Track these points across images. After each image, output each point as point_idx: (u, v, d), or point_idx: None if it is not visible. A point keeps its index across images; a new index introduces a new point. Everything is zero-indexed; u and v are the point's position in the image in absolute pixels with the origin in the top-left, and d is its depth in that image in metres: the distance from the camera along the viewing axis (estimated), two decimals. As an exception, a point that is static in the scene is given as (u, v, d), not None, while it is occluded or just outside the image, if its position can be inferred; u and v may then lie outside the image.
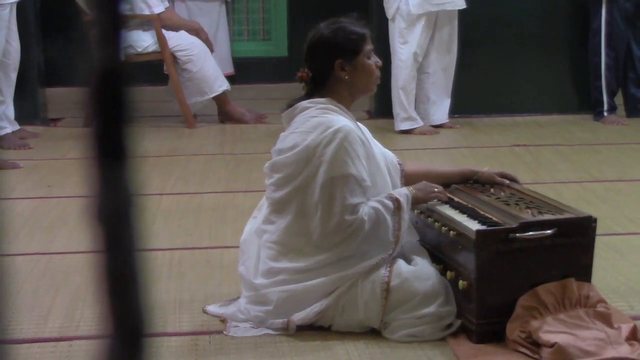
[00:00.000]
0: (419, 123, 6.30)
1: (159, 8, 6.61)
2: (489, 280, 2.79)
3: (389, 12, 6.24)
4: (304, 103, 3.01)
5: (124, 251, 0.85)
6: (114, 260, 0.84)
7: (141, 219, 0.86)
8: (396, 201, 2.94)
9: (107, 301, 0.85)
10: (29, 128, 6.41)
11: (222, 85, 6.71)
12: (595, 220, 2.90)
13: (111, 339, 0.85)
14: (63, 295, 3.32)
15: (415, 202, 3.04)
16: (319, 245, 2.91)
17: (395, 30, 6.21)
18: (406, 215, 2.96)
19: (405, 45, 6.19)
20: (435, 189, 3.10)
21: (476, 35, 6.65)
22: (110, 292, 0.85)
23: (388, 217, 2.91)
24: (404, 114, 6.28)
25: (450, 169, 3.42)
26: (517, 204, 3.03)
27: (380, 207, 2.90)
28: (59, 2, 7.20)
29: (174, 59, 6.64)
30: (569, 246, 2.85)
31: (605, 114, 6.58)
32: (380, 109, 6.63)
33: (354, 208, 2.86)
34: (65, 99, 7.51)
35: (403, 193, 2.99)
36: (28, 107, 6.56)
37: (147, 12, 6.50)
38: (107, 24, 0.81)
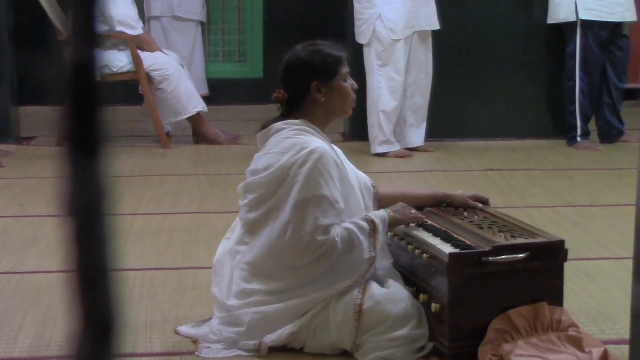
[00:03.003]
0: (396, 147, 6.31)
1: (138, 28, 6.61)
2: (462, 303, 2.79)
3: (364, 37, 6.24)
4: (279, 124, 3.01)
5: (95, 245, 0.84)
6: (84, 254, 0.84)
7: (113, 213, 0.86)
8: (372, 223, 2.93)
9: (77, 295, 0.84)
10: (2, 146, 6.38)
11: (197, 107, 6.69)
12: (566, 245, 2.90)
13: (81, 333, 0.85)
14: (33, 315, 3.29)
15: (393, 224, 3.03)
16: (291, 266, 2.90)
17: (372, 53, 6.21)
18: (381, 237, 2.96)
19: (385, 67, 6.19)
20: (413, 211, 3.10)
21: (451, 59, 6.68)
22: (80, 286, 0.84)
23: (363, 239, 2.89)
24: (382, 137, 6.27)
25: (424, 192, 3.41)
26: (490, 228, 3.03)
27: (354, 228, 2.89)
28: (33, 20, 7.17)
29: (149, 79, 6.63)
30: (541, 270, 2.86)
31: (579, 139, 6.59)
32: (355, 132, 6.64)
33: (326, 229, 2.85)
34: (38, 117, 7.48)
35: (379, 215, 2.99)
36: (1, 126, 6.52)
37: (129, 31, 6.49)
38: (82, 21, 0.81)
